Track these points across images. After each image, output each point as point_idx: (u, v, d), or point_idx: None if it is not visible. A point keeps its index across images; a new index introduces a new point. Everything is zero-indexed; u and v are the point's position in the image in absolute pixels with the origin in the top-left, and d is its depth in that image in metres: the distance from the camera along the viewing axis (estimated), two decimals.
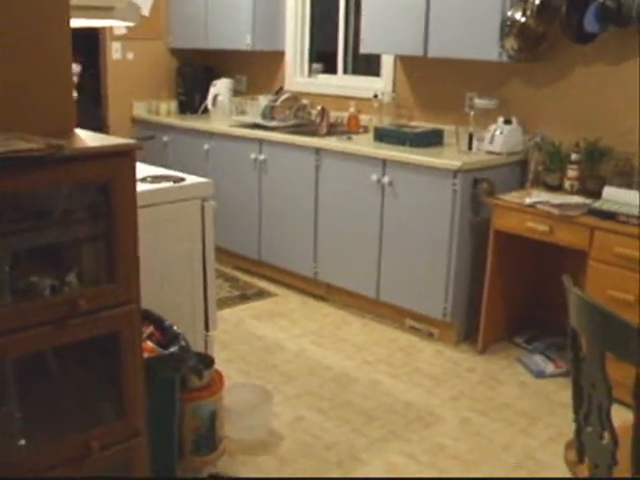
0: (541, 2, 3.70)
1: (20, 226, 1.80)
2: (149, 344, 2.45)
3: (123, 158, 1.86)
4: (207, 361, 2.81)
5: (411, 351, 3.96)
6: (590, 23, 3.55)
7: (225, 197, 4.74)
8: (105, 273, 1.93)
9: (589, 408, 1.89)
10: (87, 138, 1.93)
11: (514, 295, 4.02)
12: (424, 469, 2.88)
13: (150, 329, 2.52)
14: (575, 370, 1.95)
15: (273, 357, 3.84)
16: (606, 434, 1.83)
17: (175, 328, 2.50)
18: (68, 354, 1.91)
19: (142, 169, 3.04)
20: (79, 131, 2.02)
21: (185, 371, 2.62)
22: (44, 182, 1.76)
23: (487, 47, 3.85)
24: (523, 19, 3.77)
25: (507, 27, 3.78)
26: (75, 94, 2.08)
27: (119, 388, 2.03)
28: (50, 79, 1.93)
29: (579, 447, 2.00)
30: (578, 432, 1.99)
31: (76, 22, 2.24)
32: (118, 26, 5.47)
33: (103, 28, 5.53)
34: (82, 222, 1.89)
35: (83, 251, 1.90)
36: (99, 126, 5.52)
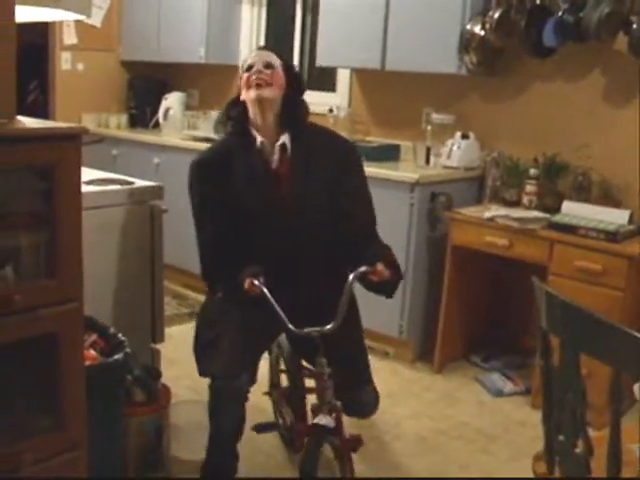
0: (500, 16, 3.67)
1: None
2: (92, 352, 2.29)
3: (68, 142, 1.71)
4: (154, 373, 2.65)
5: None
6: (549, 37, 3.53)
7: (175, 212, 4.56)
8: (45, 267, 1.77)
9: (561, 415, 1.79)
10: (29, 122, 1.78)
11: (471, 312, 3.94)
12: None
13: (93, 337, 2.36)
14: (546, 376, 1.85)
15: None
16: (580, 442, 1.73)
17: (120, 336, 2.35)
18: (1, 356, 1.73)
19: (89, 173, 2.89)
20: (21, 117, 1.87)
21: (129, 383, 2.46)
22: None
23: (446, 60, 3.81)
24: (482, 33, 3.74)
25: (466, 40, 3.76)
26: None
27: (57, 395, 1.86)
28: None
29: (549, 458, 1.90)
30: (548, 442, 1.89)
31: (22, 12, 2.09)
32: (68, 29, 5.32)
33: (53, 37, 5.35)
34: (21, 211, 1.73)
35: (21, 242, 1.74)
36: None
